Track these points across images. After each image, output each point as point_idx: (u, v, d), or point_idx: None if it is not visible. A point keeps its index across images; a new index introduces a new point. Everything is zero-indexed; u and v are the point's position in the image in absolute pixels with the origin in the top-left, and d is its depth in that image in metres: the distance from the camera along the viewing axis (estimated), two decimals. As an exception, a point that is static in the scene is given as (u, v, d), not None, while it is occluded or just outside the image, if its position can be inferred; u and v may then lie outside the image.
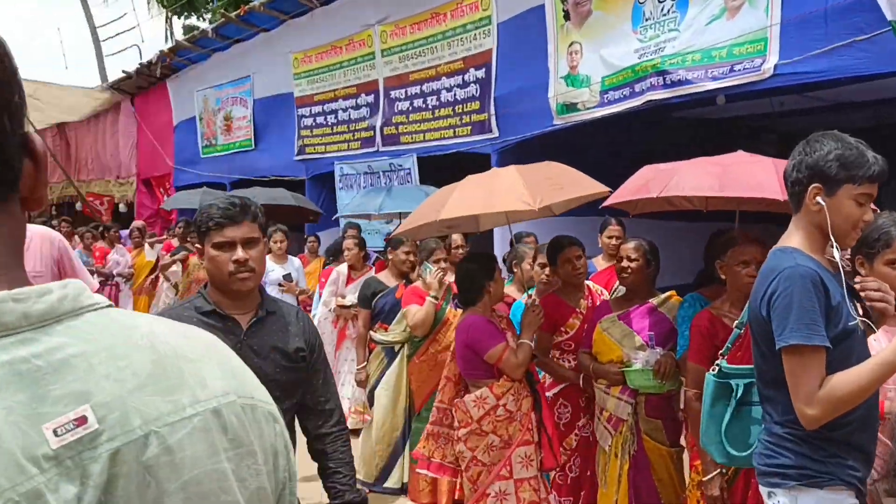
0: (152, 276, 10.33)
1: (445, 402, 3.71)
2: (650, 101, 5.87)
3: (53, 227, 6.77)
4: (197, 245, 2.19)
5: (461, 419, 3.44)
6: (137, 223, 11.46)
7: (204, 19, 20.44)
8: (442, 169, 8.13)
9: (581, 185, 3.79)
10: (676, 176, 3.06)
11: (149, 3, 20.97)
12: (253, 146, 11.16)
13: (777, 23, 5.25)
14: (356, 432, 5.45)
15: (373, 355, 5.04)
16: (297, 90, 10.17)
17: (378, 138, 8.79)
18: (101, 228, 11.14)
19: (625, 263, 3.64)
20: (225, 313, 2.14)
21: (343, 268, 6.19)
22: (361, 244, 6.10)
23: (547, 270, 4.19)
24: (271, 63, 10.58)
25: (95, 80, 17.65)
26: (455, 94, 7.76)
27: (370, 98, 9.01)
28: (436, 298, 4.37)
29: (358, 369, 5.02)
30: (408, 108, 8.39)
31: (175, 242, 10.12)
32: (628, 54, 6.05)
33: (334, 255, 7.20)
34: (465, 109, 7.65)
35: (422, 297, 4.41)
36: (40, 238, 2.79)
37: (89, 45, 18.96)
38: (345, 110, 9.45)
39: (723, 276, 3.13)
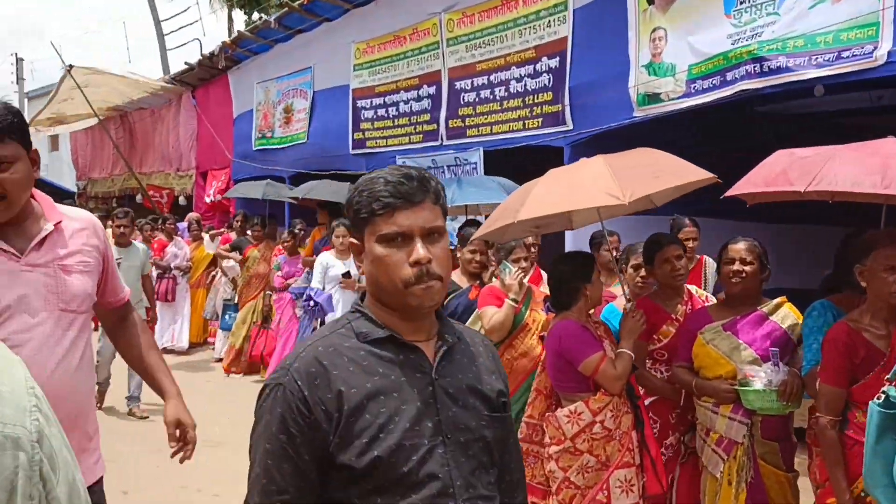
0: (210, 270, 10.25)
1: (535, 416, 3.37)
2: (743, 90, 5.42)
3: (116, 217, 6.66)
4: (353, 239, 1.54)
5: (553, 435, 3.09)
6: (193, 215, 11.41)
7: (264, 15, 20.49)
8: (510, 163, 7.79)
9: (681, 172, 3.31)
10: (827, 166, 2.63)
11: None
12: (306, 139, 10.98)
13: (891, 6, 4.76)
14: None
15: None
16: (357, 81, 9.93)
17: (442, 131, 8.48)
18: (159, 220, 11.11)
19: (737, 267, 3.23)
20: (405, 341, 1.48)
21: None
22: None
23: (642, 272, 3.81)
24: (332, 54, 10.37)
25: (158, 75, 17.79)
26: (525, 85, 7.40)
27: (432, 89, 8.71)
28: (515, 301, 4.02)
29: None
30: (474, 100, 8.06)
31: (233, 235, 10.00)
32: (720, 40, 5.60)
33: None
34: (536, 100, 7.27)
35: (500, 299, 4.06)
36: (85, 225, 2.21)
37: (153, 40, 19.22)
38: (406, 102, 9.17)
39: (862, 284, 2.71)
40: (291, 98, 11.50)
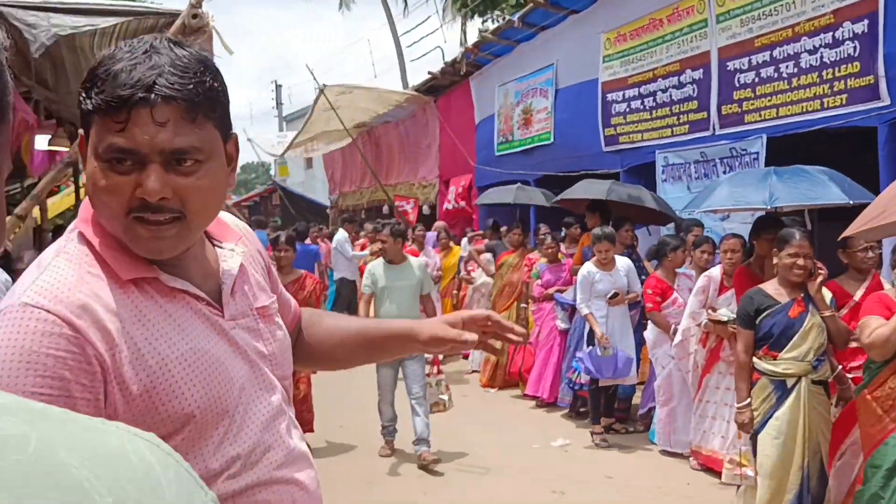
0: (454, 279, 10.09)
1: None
2: None
3: (376, 230, 6.53)
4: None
5: None
6: (441, 224, 11.38)
7: (497, 20, 20.45)
8: (801, 150, 6.64)
9: None
10: None
11: (443, 10, 21.56)
12: (552, 139, 10.44)
13: None
14: (733, 488, 4.33)
15: (757, 389, 3.89)
16: (607, 74, 9.21)
17: (714, 119, 7.49)
18: (407, 230, 11.21)
19: None
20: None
21: (716, 272, 5.13)
22: (742, 247, 5.02)
23: None
24: (578, 48, 9.76)
25: (399, 88, 18.40)
26: (822, 56, 6.22)
27: (698, 73, 7.74)
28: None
29: (739, 408, 3.90)
30: (753, 81, 6.99)
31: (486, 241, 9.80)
32: None
33: (658, 255, 6.16)
34: (837, 74, 6.07)
35: (890, 309, 3.25)
36: (244, 232, 1.35)
37: (394, 55, 19.96)
38: (665, 91, 8.28)
39: None
40: (530, 98, 11.06)
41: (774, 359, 3.81)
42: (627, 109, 8.92)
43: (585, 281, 6.14)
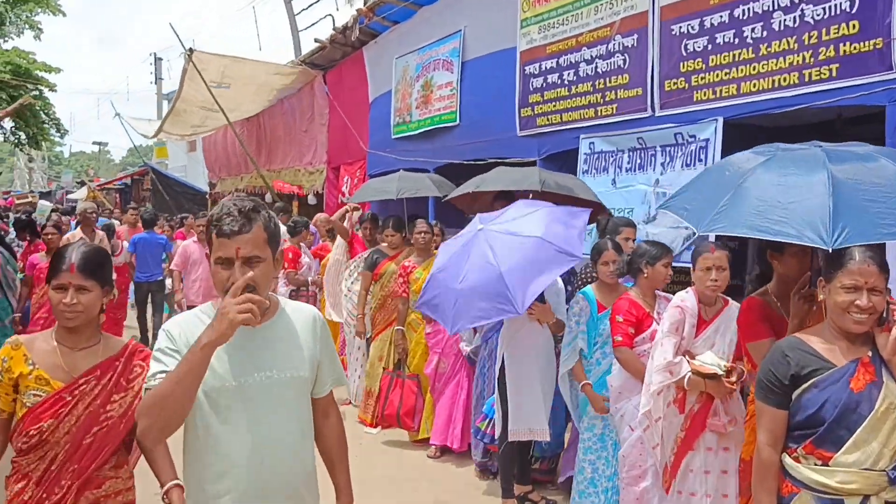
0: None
1: None
2: None
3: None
4: None
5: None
6: (322, 216, 9.59)
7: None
8: (769, 136, 5.24)
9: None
10: None
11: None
12: (457, 121, 8.78)
13: None
14: None
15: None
16: (524, 41, 7.64)
17: (653, 97, 6.03)
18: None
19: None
20: None
21: (690, 300, 3.57)
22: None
23: None
24: (491, 11, 8.16)
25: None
26: (804, 15, 4.81)
27: (632, 40, 6.26)
28: None
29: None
30: (705, 48, 5.55)
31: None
32: None
33: (630, 269, 4.61)
34: (826, 37, 4.68)
35: None
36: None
37: (284, 22, 17.80)
38: (590, 61, 6.78)
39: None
40: (432, 72, 9.38)
41: (825, 463, 2.28)
42: (543, 85, 7.37)
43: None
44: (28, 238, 9.14)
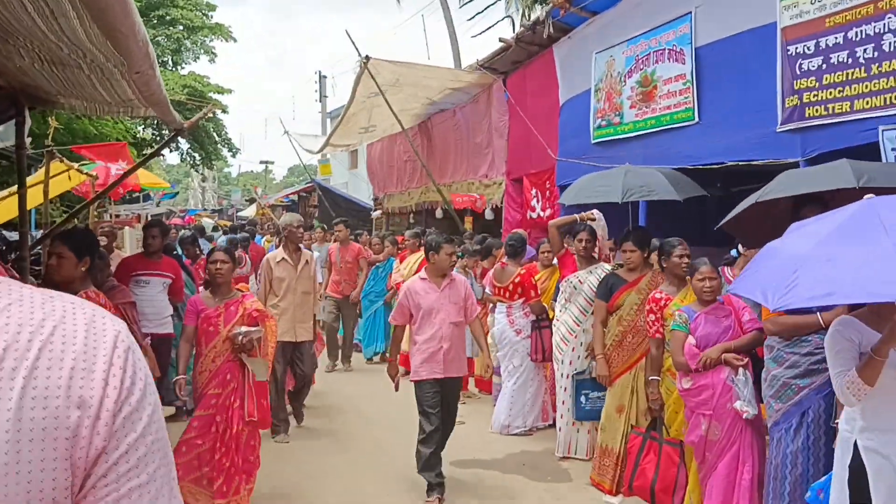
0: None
1: None
2: None
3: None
4: None
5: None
6: (519, 232, 8.42)
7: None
8: None
9: None
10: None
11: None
12: (695, 118, 7.30)
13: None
14: None
15: None
16: (788, 15, 6.10)
17: None
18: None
19: None
20: None
21: None
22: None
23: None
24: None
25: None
26: None
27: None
28: None
29: None
30: None
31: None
32: None
33: None
34: None
35: None
36: None
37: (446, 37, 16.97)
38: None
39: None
40: (653, 65, 7.97)
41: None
42: (824, 66, 5.79)
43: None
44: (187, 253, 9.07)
